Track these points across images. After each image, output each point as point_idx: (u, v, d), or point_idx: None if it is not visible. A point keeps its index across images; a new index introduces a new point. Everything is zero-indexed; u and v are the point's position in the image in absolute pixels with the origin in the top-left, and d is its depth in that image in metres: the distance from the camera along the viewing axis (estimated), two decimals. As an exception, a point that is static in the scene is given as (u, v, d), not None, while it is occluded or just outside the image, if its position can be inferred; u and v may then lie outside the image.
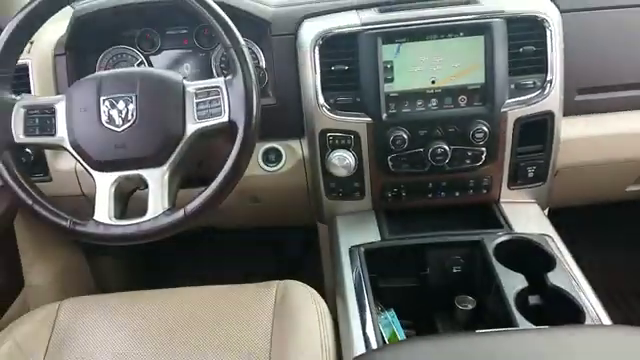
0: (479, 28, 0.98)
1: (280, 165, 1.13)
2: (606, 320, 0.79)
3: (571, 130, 1.08)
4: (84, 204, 1.14)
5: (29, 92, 1.11)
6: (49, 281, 1.30)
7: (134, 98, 0.85)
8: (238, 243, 1.71)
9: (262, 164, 1.13)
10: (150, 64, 1.17)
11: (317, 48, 1.02)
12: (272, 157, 1.13)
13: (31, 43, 1.13)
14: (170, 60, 1.17)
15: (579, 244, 1.04)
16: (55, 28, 1.14)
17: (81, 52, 1.14)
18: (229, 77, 0.85)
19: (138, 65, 1.16)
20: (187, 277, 1.37)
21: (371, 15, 1.03)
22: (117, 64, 1.17)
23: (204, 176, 0.90)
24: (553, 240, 0.97)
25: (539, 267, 0.89)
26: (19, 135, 0.86)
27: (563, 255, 0.93)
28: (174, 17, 1.13)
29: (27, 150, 1.07)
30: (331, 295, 1.02)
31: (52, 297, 1.26)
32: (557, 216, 1.13)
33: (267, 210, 1.27)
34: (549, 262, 0.90)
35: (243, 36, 0.86)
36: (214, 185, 0.83)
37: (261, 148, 1.12)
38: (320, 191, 1.12)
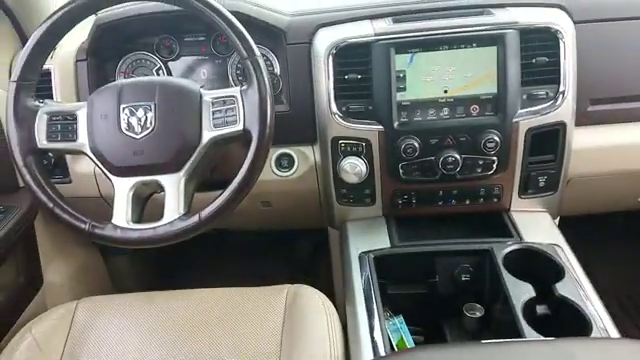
0: (492, 39, 0.98)
1: (292, 171, 1.14)
2: (613, 332, 0.79)
3: (584, 140, 1.08)
4: (102, 205, 1.17)
5: (51, 97, 1.14)
6: (66, 279, 1.33)
7: (153, 106, 0.87)
8: (250, 245, 1.73)
9: (275, 169, 1.14)
10: (168, 70, 1.19)
11: (331, 57, 1.03)
12: (285, 162, 1.14)
13: (54, 49, 1.16)
14: (188, 66, 1.19)
15: (590, 251, 1.03)
16: (76, 35, 1.16)
17: (101, 58, 1.17)
18: (244, 87, 0.87)
19: (157, 71, 1.19)
20: (200, 277, 1.40)
21: (385, 25, 1.04)
22: (136, 70, 1.19)
23: (218, 180, 0.92)
24: (562, 250, 0.97)
25: (548, 277, 0.90)
26: (42, 141, 0.89)
27: (572, 265, 0.93)
28: (192, 24, 1.15)
29: (49, 153, 1.10)
30: (341, 299, 1.02)
31: (69, 295, 1.31)
32: (568, 223, 1.13)
33: (279, 214, 1.28)
34: (558, 272, 0.90)
35: (258, 43, 0.87)
36: (228, 192, 0.84)
37: (274, 153, 1.14)
38: (331, 197, 1.13)
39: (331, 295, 1.02)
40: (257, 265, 1.66)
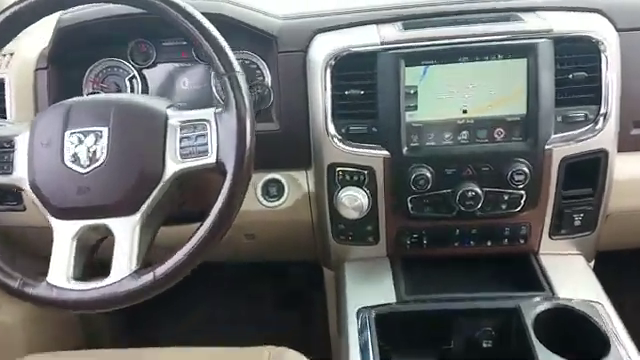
0: (521, 50, 0.90)
1: (282, 200, 1.05)
2: None
3: (626, 169, 0.98)
4: None
5: (4, 111, 1.04)
6: (19, 321, 1.22)
7: (106, 132, 0.75)
8: (237, 280, 1.63)
9: (261, 198, 1.05)
10: (144, 79, 1.10)
11: (329, 68, 0.95)
12: (273, 190, 1.05)
13: (10, 55, 1.07)
14: (166, 74, 1.11)
15: (624, 285, 0.92)
16: (37, 40, 1.07)
17: (66, 66, 1.08)
18: (219, 109, 0.76)
19: (130, 80, 1.09)
20: (179, 317, 1.29)
21: (393, 32, 0.96)
22: (106, 78, 1.10)
23: (188, 214, 0.81)
24: (604, 308, 0.86)
25: (588, 346, 0.78)
26: None
27: (617, 333, 0.81)
28: (171, 27, 1.05)
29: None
30: (337, 355, 0.91)
31: (22, 341, 1.20)
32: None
33: (265, 246, 1.19)
34: (601, 342, 0.78)
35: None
36: (190, 245, 0.71)
37: (261, 180, 1.05)
38: (327, 233, 1.04)
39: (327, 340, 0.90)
40: (244, 303, 1.56)
